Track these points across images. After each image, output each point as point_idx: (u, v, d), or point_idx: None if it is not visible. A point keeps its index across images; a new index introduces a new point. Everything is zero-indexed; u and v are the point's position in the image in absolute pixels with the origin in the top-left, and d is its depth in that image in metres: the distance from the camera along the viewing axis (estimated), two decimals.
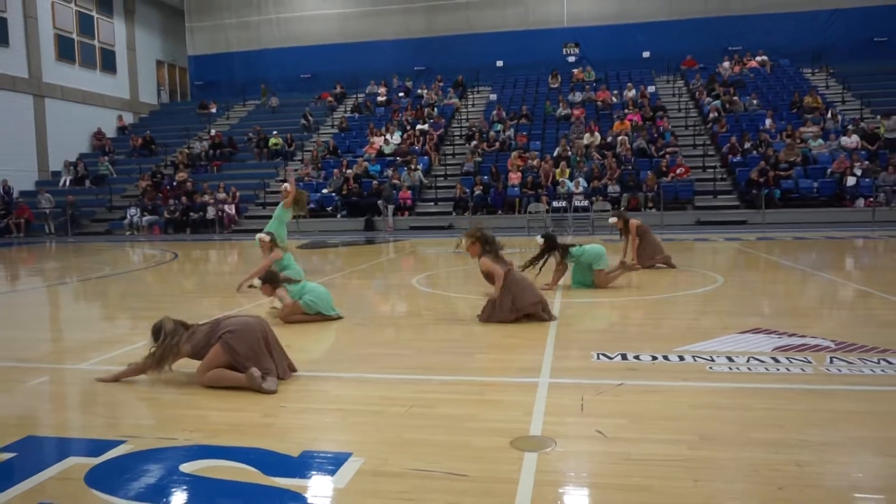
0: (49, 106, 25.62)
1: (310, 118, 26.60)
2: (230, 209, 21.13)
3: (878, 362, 4.44)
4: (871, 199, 17.82)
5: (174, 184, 22.85)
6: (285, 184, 9.90)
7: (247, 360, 4.07)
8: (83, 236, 21.46)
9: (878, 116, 20.86)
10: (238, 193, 21.74)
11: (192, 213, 21.29)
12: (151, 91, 32.12)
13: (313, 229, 19.96)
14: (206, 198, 21.53)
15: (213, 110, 29.28)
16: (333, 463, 2.98)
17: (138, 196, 22.71)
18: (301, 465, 2.98)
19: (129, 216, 21.56)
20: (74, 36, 27.08)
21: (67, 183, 24.84)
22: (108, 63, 28.95)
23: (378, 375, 4.48)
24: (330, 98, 28.46)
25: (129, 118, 29.85)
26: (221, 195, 21.41)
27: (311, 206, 20.91)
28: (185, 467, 2.95)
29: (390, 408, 3.74)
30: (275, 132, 25.34)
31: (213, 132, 26.39)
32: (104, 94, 28.59)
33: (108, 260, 14.17)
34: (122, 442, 3.26)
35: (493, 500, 2.63)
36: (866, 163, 18.75)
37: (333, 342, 5.75)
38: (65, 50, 26.54)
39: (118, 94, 29.58)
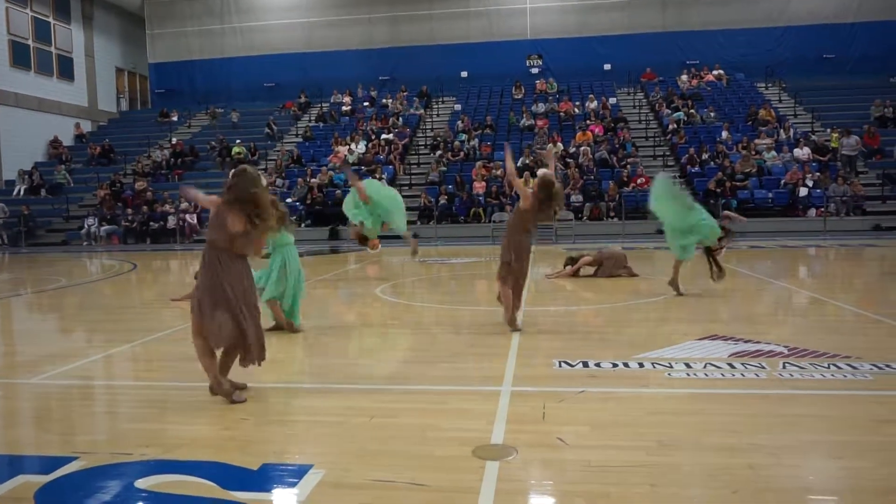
0: (3, 113, 24.86)
1: (273, 127, 26.36)
2: (192, 218, 20.77)
3: (828, 367, 4.57)
4: (823, 210, 18.37)
5: (134, 193, 22.38)
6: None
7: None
8: (38, 247, 20.84)
9: (830, 130, 21.55)
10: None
11: (152, 223, 20.87)
12: (110, 99, 31.45)
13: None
14: (167, 207, 21.14)
15: (175, 118, 28.80)
16: (294, 475, 2.94)
17: (96, 205, 22.17)
18: (261, 479, 2.93)
19: (86, 226, 21.02)
20: (30, 42, 26.37)
21: (22, 192, 24.11)
22: (66, 70, 28.26)
23: (341, 386, 4.45)
24: (294, 107, 28.26)
25: (87, 126, 29.15)
26: (183, 205, 21.04)
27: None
28: (141, 483, 2.88)
29: (352, 418, 3.71)
30: (238, 141, 25.03)
31: (174, 140, 25.96)
32: (61, 102, 27.88)
33: (64, 271, 13.79)
34: (74, 458, 3.16)
35: None
36: (817, 174, 19.35)
37: (296, 353, 5.68)
38: (20, 56, 25.82)
39: (76, 102, 28.87)
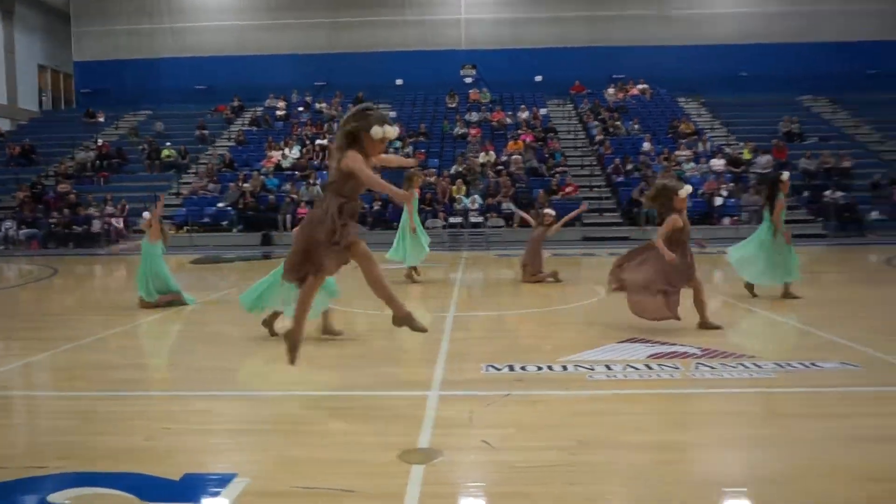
0: None
1: (205, 130, 25.63)
2: (118, 222, 19.92)
3: (736, 366, 4.81)
4: (736, 218, 19.30)
5: (56, 195, 21.29)
6: (146, 213, 8.52)
7: None
8: None
9: (743, 143, 22.66)
10: (127, 206, 20.54)
11: (75, 227, 19.90)
12: (32, 97, 29.84)
13: (207, 244, 19.18)
14: (92, 210, 20.21)
15: (101, 119, 27.58)
16: (217, 485, 2.87)
17: (15, 208, 20.97)
18: (183, 489, 2.85)
19: (3, 230, 19.85)
20: None
21: None
22: None
23: (268, 393, 4.37)
24: (226, 111, 27.55)
25: (5, 125, 27.54)
26: (109, 208, 20.17)
27: (206, 220, 20.19)
28: (55, 497, 2.75)
29: (278, 426, 3.66)
30: (168, 144, 24.21)
31: (100, 142, 24.84)
32: None
33: None
34: None
35: None
36: (731, 185, 20.31)
37: (222, 358, 5.53)
38: None
39: None
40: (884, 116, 24.69)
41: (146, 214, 8.30)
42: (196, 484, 2.90)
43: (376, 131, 3.82)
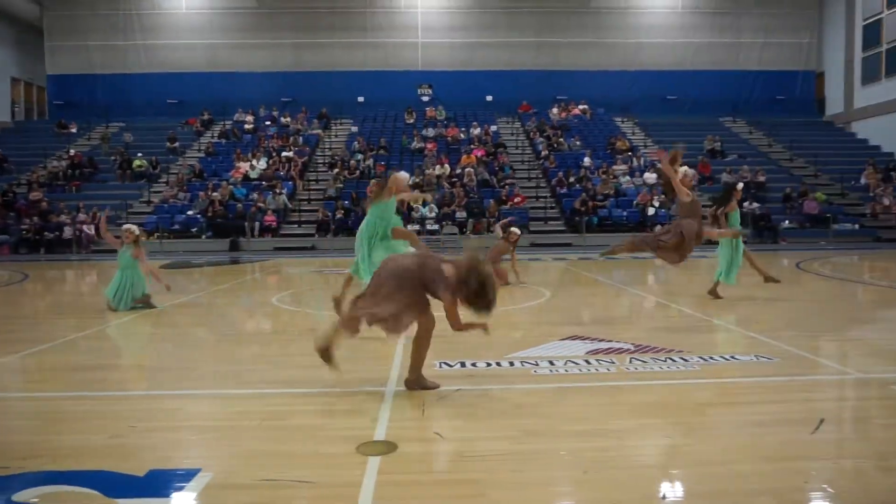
0: None
1: (176, 142, 24.98)
2: (89, 229, 19.21)
3: (666, 360, 4.91)
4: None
5: (28, 203, 20.41)
6: (133, 227, 7.99)
7: None
8: None
9: None
10: (99, 214, 19.81)
11: (46, 233, 19.11)
12: (5, 108, 28.58)
13: (177, 250, 18.68)
14: (64, 218, 19.44)
15: (74, 130, 26.59)
16: (182, 479, 2.78)
17: None
18: (147, 485, 2.74)
19: None
20: None
21: None
22: None
23: (233, 391, 4.26)
24: (197, 124, 26.93)
25: None
26: (81, 216, 19.43)
27: (176, 227, 19.66)
28: (19, 496, 2.61)
29: (243, 422, 3.57)
30: (139, 154, 23.50)
31: (72, 152, 23.94)
32: None
33: None
34: None
35: (338, 503, 2.58)
36: (662, 196, 20.82)
37: (191, 359, 5.38)
38: None
39: None
40: (793, 137, 25.77)
41: (131, 226, 7.85)
42: (160, 479, 2.80)
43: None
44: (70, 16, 28.30)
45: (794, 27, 28.86)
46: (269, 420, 3.59)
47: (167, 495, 2.66)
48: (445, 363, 4.88)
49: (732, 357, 4.99)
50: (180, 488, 2.70)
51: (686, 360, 4.89)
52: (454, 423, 3.54)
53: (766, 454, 3.04)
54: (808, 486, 2.72)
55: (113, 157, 23.68)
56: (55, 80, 28.92)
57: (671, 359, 4.95)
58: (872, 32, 25.61)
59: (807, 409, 3.70)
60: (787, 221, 20.24)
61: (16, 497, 2.60)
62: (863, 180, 22.50)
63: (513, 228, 10.63)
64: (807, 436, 3.27)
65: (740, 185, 8.69)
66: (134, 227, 7.84)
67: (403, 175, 6.79)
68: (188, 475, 2.81)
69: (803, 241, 19.21)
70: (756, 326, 6.25)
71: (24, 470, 2.88)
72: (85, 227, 19.16)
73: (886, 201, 20.55)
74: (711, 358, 4.96)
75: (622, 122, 27.79)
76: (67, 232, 19.05)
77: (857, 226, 20.28)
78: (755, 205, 20.20)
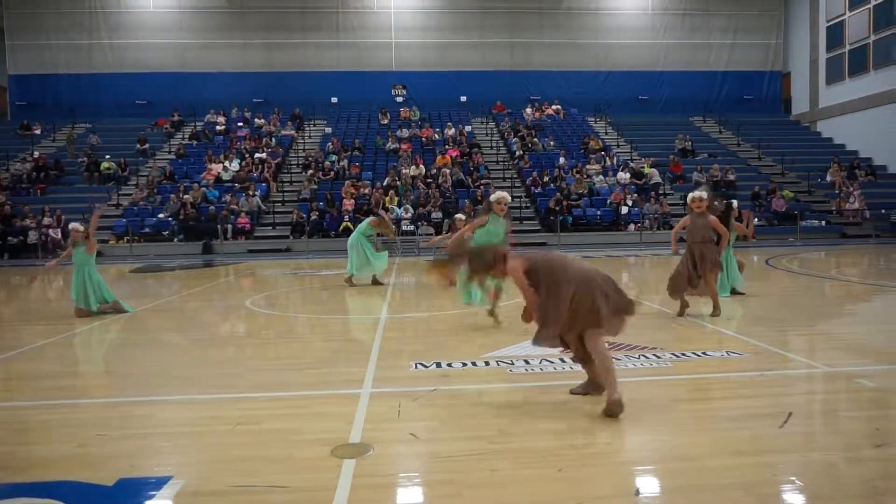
0: None
1: (146, 144, 24.52)
2: (55, 233, 18.76)
3: (639, 357, 4.98)
4: (640, 225, 20.06)
5: None
6: (76, 224, 7.89)
7: None
8: None
9: (644, 159, 23.60)
10: (64, 217, 19.37)
11: (10, 238, 18.60)
12: None
13: (148, 253, 18.34)
14: (28, 221, 18.94)
15: (38, 132, 25.93)
16: (152, 488, 2.73)
17: None
18: (116, 494, 2.69)
19: None
20: None
21: None
22: None
23: (206, 396, 4.20)
24: (167, 125, 26.48)
25: None
26: (46, 219, 18.96)
27: (146, 230, 19.30)
28: None
29: (216, 427, 3.52)
30: (107, 156, 23.02)
31: (36, 154, 23.34)
32: None
33: None
34: None
35: None
36: (635, 195, 21.09)
37: (162, 364, 5.29)
38: None
39: None
40: (761, 136, 26.32)
41: (77, 225, 7.77)
42: (130, 488, 2.74)
43: None
44: (32, 14, 27.58)
45: (761, 28, 29.48)
46: (242, 425, 3.55)
47: None
48: (421, 364, 4.88)
49: (704, 353, 5.08)
50: (151, 497, 2.65)
51: (658, 357, 4.96)
52: (429, 423, 3.53)
53: (736, 448, 3.10)
54: (777, 478, 2.77)
55: (80, 160, 23.16)
56: (17, 80, 28.16)
57: (644, 356, 5.02)
58: (836, 33, 26.28)
59: (776, 404, 3.78)
60: (756, 219, 20.63)
61: None
62: (828, 178, 23.07)
63: (458, 215, 10.86)
64: (776, 430, 3.34)
65: (735, 203, 8.76)
66: (79, 225, 7.78)
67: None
68: (159, 483, 2.76)
69: (772, 237, 19.62)
70: (727, 323, 6.36)
71: None
72: (51, 232, 18.70)
73: (856, 203, 21.01)
74: (683, 354, 5.04)
75: (595, 121, 28.07)
76: (32, 236, 18.57)
77: (823, 223, 20.79)
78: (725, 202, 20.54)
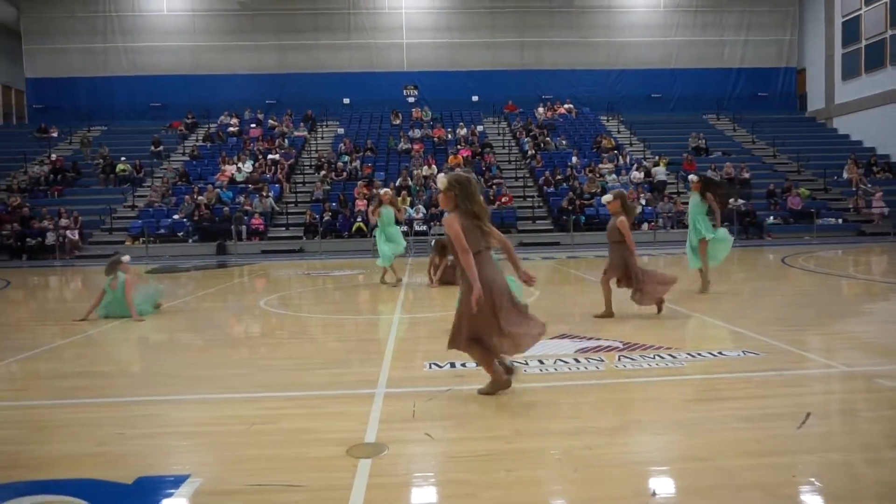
0: None
1: (160, 146, 24.76)
2: (73, 234, 19.00)
3: (654, 357, 4.95)
4: (653, 223, 19.93)
5: (7, 208, 20.13)
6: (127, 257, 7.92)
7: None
8: None
9: (657, 157, 23.46)
10: (81, 219, 19.62)
11: (28, 239, 18.87)
12: None
13: (163, 254, 18.52)
14: (46, 223, 19.20)
15: (55, 134, 26.27)
16: (171, 486, 2.76)
17: None
18: (135, 492, 2.72)
19: None
20: None
21: None
22: None
23: (222, 395, 4.23)
24: (181, 127, 26.71)
25: None
26: (64, 221, 19.21)
27: (162, 231, 19.49)
28: None
29: (232, 427, 3.54)
30: (123, 158, 23.27)
31: (53, 156, 23.65)
32: None
33: None
34: None
35: None
36: (649, 194, 20.97)
37: (178, 364, 5.33)
38: None
39: None
40: (776, 133, 26.05)
41: (127, 258, 7.65)
42: (149, 486, 2.77)
43: None
44: (48, 18, 27.94)
45: (775, 24, 29.18)
46: (257, 424, 3.57)
47: (156, 503, 2.64)
48: (435, 364, 4.88)
49: (720, 353, 5.03)
50: (169, 495, 2.68)
51: (674, 357, 4.92)
52: (444, 423, 3.53)
53: (753, 449, 3.07)
54: (795, 479, 2.75)
55: (95, 162, 23.42)
56: (34, 84, 28.55)
57: (659, 356, 4.99)
58: (852, 29, 25.95)
59: (793, 404, 3.74)
60: (771, 217, 20.46)
61: None
62: (845, 175, 22.79)
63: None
64: (794, 430, 3.31)
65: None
66: (127, 258, 7.71)
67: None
68: (177, 481, 2.79)
69: (788, 236, 19.43)
70: (742, 322, 6.31)
71: (10, 480, 2.84)
72: (68, 233, 18.94)
73: (877, 205, 20.55)
74: (699, 354, 5.00)
75: (607, 120, 27.94)
76: (50, 238, 18.82)
77: (840, 220, 20.54)
78: (740, 201, 20.38)
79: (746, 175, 22.05)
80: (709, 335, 6.11)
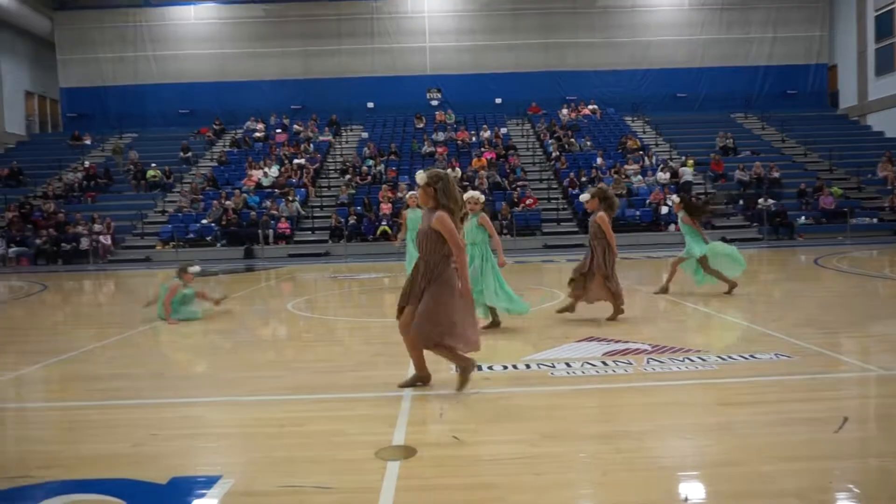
0: None
1: (189, 152, 25.22)
2: (105, 239, 19.44)
3: (683, 360, 4.88)
4: (680, 225, 19.62)
5: (43, 214, 20.69)
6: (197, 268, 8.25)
7: None
8: None
9: (684, 158, 23.14)
10: (113, 224, 20.08)
11: (63, 244, 19.36)
12: (19, 122, 28.97)
13: (192, 258, 18.81)
14: (80, 228, 19.68)
15: (88, 142, 26.94)
16: (203, 486, 2.80)
17: (4, 227, 20.32)
18: (169, 492, 2.77)
19: None
20: None
21: None
22: None
23: (252, 398, 4.29)
24: (209, 133, 27.18)
25: None
26: (97, 226, 19.67)
27: (191, 236, 19.85)
28: None
29: (262, 428, 3.59)
30: (153, 164, 23.75)
31: (87, 164, 24.26)
32: None
33: None
34: None
35: None
36: (675, 195, 20.67)
37: (208, 366, 5.42)
38: None
39: None
40: (807, 131, 25.51)
41: (196, 269, 7.89)
42: (183, 486, 2.82)
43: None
44: (80, 29, 28.69)
45: (804, 20, 28.60)
46: (287, 426, 3.61)
47: (190, 502, 2.69)
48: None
49: (751, 356, 4.94)
50: (202, 495, 2.72)
51: (704, 360, 4.85)
52: (472, 426, 3.53)
53: (789, 454, 3.00)
54: (833, 486, 2.68)
55: (126, 168, 23.95)
56: (68, 93, 29.32)
57: (689, 359, 4.92)
58: (885, 23, 25.30)
59: (829, 408, 3.66)
60: (803, 217, 20.03)
61: None
62: (879, 173, 22.20)
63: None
64: (831, 434, 3.23)
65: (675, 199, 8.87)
66: (197, 269, 7.98)
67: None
68: (210, 482, 2.83)
69: (820, 236, 18.99)
70: (774, 324, 6.18)
71: (47, 479, 2.91)
72: (101, 238, 19.38)
73: None
74: (730, 357, 4.92)
75: (632, 121, 27.65)
76: (84, 243, 19.28)
77: (875, 220, 20.01)
78: (770, 201, 20.00)
79: (776, 174, 21.63)
80: (739, 338, 6.01)
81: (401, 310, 4.18)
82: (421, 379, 4.32)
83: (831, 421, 3.40)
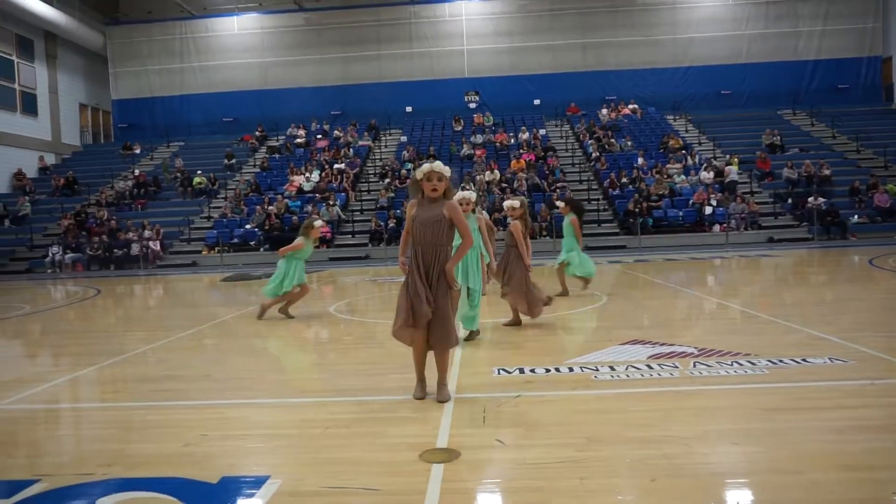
0: None
1: (232, 159, 25.88)
2: (155, 245, 20.10)
3: (731, 364, 4.75)
4: (725, 225, 19.18)
5: (97, 222, 21.53)
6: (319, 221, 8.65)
7: None
8: (1, 275, 19.76)
9: (729, 156, 22.58)
10: (162, 230, 20.75)
11: (115, 250, 20.09)
12: (74, 133, 30.27)
13: (237, 262, 19.29)
14: (131, 235, 20.40)
15: (138, 151, 27.94)
16: (252, 486, 2.87)
17: (60, 234, 21.21)
18: (220, 491, 2.84)
19: (50, 254, 20.07)
20: None
21: None
22: (30, 106, 27.10)
23: (297, 399, 4.36)
24: (252, 140, 27.83)
25: (50, 159, 27.97)
26: (147, 233, 20.36)
27: (235, 240, 20.34)
28: (103, 502, 2.74)
29: (308, 430, 3.64)
30: (199, 172, 24.45)
31: (137, 172, 25.15)
32: (25, 136, 26.67)
33: (29, 298, 13.10)
34: (36, 481, 2.99)
35: None
36: (719, 195, 20.20)
37: (254, 369, 5.54)
38: None
39: (40, 136, 27.68)
40: (858, 127, 24.57)
41: (319, 223, 8.36)
42: (233, 486, 2.89)
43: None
44: (131, 43, 29.81)
45: (855, 12, 27.58)
46: (332, 428, 3.66)
47: (240, 502, 2.75)
48: (503, 369, 4.86)
49: (804, 360, 4.78)
50: (251, 495, 2.78)
51: (753, 364, 4.71)
52: (515, 430, 3.51)
53: (846, 462, 2.89)
54: (895, 498, 2.57)
55: (173, 177, 24.71)
56: (119, 105, 30.48)
57: (737, 362, 4.79)
58: None
59: (889, 415, 3.51)
60: (856, 216, 19.29)
61: (99, 502, 2.74)
62: None
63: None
64: (891, 444, 3.10)
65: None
66: (319, 222, 8.37)
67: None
68: (258, 482, 2.89)
69: (874, 236, 18.26)
70: (827, 327, 5.97)
71: (108, 476, 3.02)
72: (150, 244, 20.03)
73: None
74: (781, 361, 4.77)
75: (674, 119, 27.14)
76: (135, 248, 19.96)
77: None
78: (820, 200, 19.34)
79: (827, 172, 20.90)
80: (790, 341, 5.81)
81: (415, 317, 4.14)
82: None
83: (891, 429, 3.26)
